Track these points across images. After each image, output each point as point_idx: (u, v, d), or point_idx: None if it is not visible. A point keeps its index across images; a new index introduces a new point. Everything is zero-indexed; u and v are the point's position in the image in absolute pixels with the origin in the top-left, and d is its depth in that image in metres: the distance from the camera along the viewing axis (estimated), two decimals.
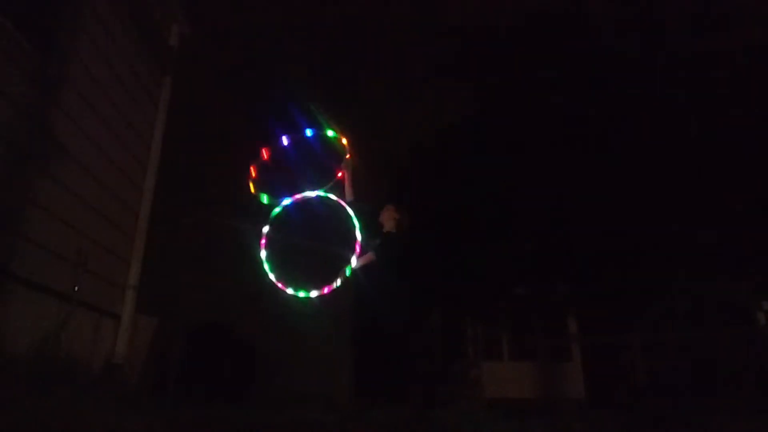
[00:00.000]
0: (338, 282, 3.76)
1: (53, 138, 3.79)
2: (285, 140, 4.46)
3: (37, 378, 2.98)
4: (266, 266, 3.93)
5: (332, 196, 4.06)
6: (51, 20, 3.79)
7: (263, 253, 3.98)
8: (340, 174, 4.22)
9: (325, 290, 3.76)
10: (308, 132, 4.47)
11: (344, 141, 4.35)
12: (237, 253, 7.06)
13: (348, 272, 3.78)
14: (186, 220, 6.76)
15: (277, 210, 4.15)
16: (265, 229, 4.08)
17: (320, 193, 4.08)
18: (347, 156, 4.28)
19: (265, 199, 4.07)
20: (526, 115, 9.54)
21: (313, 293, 3.77)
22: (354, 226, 3.94)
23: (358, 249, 3.86)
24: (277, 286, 3.88)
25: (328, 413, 2.83)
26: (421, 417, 2.88)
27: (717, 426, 2.77)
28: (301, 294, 3.78)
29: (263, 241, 4.07)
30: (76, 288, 3.92)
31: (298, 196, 4.06)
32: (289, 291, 3.85)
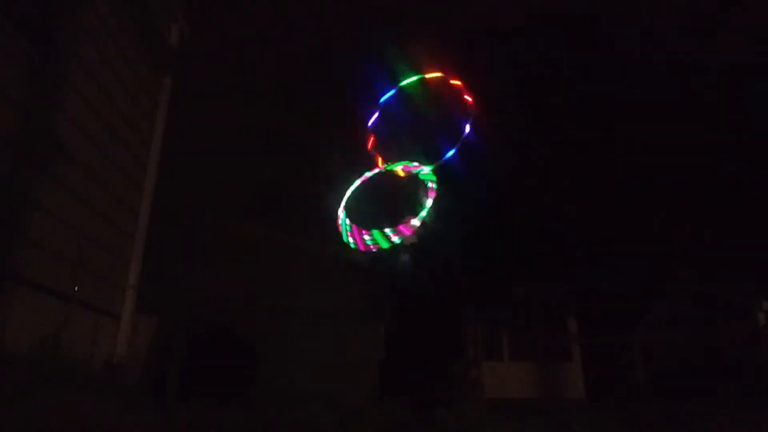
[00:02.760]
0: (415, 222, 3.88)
1: (53, 138, 3.79)
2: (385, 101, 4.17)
3: (37, 378, 2.98)
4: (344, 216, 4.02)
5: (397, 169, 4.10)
6: (51, 20, 3.79)
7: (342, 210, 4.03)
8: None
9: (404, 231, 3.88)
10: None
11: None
12: (237, 253, 7.06)
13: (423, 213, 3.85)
14: (186, 220, 6.76)
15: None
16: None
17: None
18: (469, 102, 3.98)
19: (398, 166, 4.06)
20: (527, 114, 9.54)
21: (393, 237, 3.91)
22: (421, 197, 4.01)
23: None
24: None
25: (328, 413, 2.82)
26: (421, 417, 2.87)
27: (717, 426, 2.77)
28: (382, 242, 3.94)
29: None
30: (76, 288, 3.92)
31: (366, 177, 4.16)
32: (367, 237, 3.99)
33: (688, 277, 10.97)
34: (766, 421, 2.96)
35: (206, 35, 6.74)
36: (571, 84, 9.25)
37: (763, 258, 9.92)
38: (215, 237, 7.09)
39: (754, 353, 10.06)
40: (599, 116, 9.61)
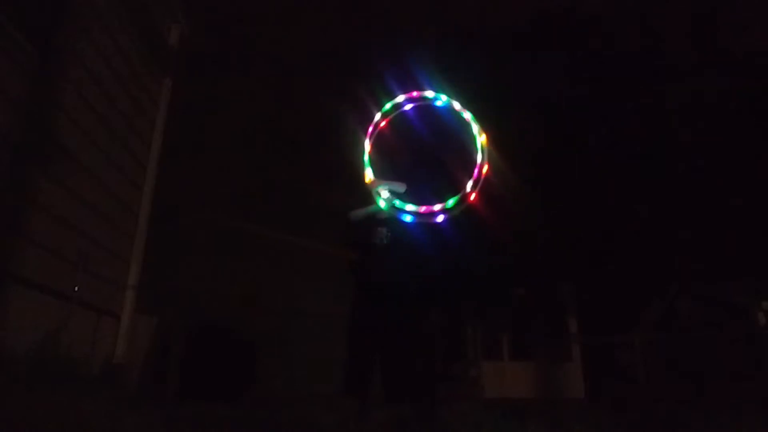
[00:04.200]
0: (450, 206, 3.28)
1: (53, 138, 3.79)
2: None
3: (37, 378, 2.98)
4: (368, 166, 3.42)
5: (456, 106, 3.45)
6: (51, 20, 3.79)
7: (367, 149, 3.43)
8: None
9: (436, 210, 3.29)
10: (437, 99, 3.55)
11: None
12: (237, 252, 7.06)
13: (453, 203, 3.30)
14: (186, 220, 6.76)
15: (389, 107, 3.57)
16: (377, 116, 3.55)
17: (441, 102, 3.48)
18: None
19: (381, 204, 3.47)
20: (527, 113, 9.55)
21: (422, 209, 3.32)
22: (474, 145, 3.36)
23: (475, 174, 3.33)
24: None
25: (328, 413, 2.82)
26: (421, 417, 2.87)
27: (717, 426, 2.77)
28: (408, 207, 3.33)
29: (369, 132, 3.46)
30: (76, 288, 3.92)
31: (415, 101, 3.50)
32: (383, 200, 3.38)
33: (688, 277, 10.97)
34: (766, 421, 2.96)
35: (206, 35, 6.74)
36: (574, 83, 9.26)
37: (763, 258, 9.92)
38: (215, 237, 7.09)
39: (754, 353, 10.06)
40: (597, 115, 9.62)
